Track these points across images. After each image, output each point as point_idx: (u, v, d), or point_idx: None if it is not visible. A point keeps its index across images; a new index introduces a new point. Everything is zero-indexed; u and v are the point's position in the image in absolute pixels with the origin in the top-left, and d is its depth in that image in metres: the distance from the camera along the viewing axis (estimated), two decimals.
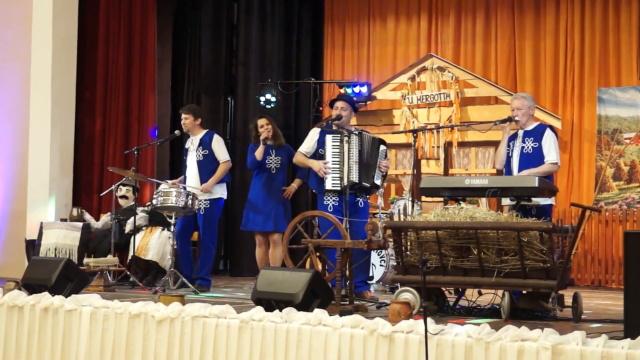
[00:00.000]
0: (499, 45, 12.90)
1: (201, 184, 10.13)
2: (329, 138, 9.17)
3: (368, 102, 13.16)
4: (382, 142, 9.36)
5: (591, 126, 12.14)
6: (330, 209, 8.98)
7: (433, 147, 12.63)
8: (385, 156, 9.37)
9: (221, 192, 10.38)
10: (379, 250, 10.40)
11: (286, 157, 10.42)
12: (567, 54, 12.41)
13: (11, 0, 12.58)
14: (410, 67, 12.93)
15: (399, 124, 12.71)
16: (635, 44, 11.85)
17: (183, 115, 10.46)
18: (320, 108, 13.00)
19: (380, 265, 10.41)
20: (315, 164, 9.15)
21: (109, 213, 11.27)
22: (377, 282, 10.35)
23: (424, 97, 12.72)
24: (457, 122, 12.33)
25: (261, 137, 10.36)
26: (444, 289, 8.05)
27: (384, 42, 13.71)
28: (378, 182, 9.23)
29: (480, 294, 8.40)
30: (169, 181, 10.74)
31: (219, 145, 10.41)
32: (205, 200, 10.12)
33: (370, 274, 10.13)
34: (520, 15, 12.79)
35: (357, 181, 8.93)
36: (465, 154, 12.59)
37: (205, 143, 10.35)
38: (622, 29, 12.05)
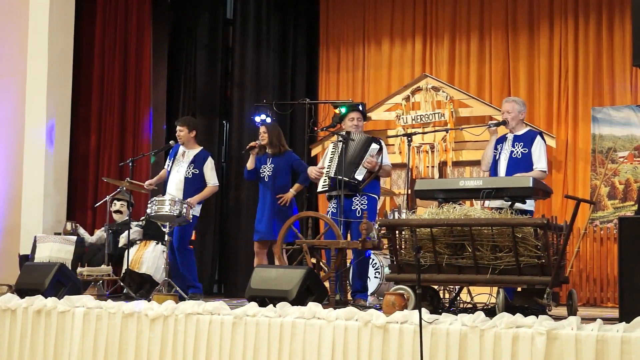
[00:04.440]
0: (493, 66, 12.92)
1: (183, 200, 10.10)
2: (330, 146, 9.32)
3: (363, 122, 13.16)
4: (375, 140, 9.46)
5: (585, 145, 12.14)
6: (329, 215, 9.00)
7: (427, 167, 12.61)
8: (380, 154, 9.41)
9: (197, 209, 10.37)
10: (373, 262, 10.37)
11: (282, 164, 10.38)
12: (561, 73, 12.43)
13: (7, 16, 12.62)
14: (404, 87, 12.93)
15: (393, 144, 12.70)
16: (628, 62, 11.87)
17: (178, 128, 10.50)
18: (315, 128, 13.00)
19: (375, 277, 10.36)
20: (308, 170, 9.29)
21: (102, 228, 11.25)
22: (372, 294, 10.29)
23: (419, 117, 12.72)
24: (451, 141, 12.37)
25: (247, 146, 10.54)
26: (436, 288, 8.04)
27: (378, 65, 13.74)
28: (359, 177, 9.17)
29: (475, 306, 8.37)
30: (146, 182, 10.75)
31: (211, 169, 10.47)
32: None
33: None
34: (514, 37, 12.82)
35: (333, 176, 8.99)
36: (460, 174, 12.56)
37: (198, 162, 10.38)
38: (616, 48, 12.08)
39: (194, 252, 10.82)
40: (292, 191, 10.28)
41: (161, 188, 10.60)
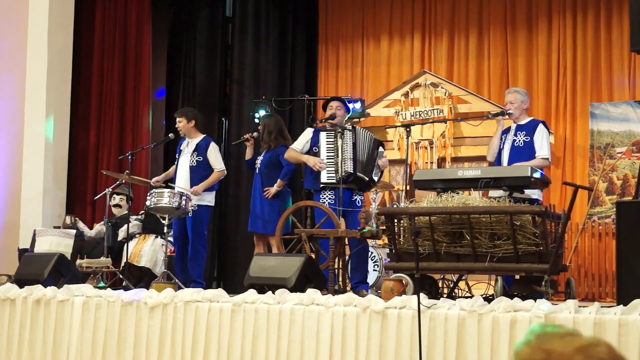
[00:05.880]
0: (491, 62, 12.95)
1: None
2: (322, 135, 9.29)
3: (362, 119, 13.18)
4: (381, 143, 9.57)
5: (584, 141, 12.16)
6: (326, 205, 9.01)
7: (426, 162, 12.61)
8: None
9: (209, 199, 10.35)
10: (372, 255, 10.39)
11: (270, 158, 10.44)
12: (560, 70, 12.46)
13: (7, 12, 12.65)
14: (403, 83, 12.95)
15: (392, 140, 12.73)
16: (627, 58, 11.91)
17: (177, 119, 10.51)
18: (315, 124, 13.02)
19: (374, 270, 10.37)
20: (311, 160, 9.24)
21: (102, 222, 11.27)
22: (371, 287, 10.31)
23: (418, 113, 12.73)
24: (450, 137, 12.40)
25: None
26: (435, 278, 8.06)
27: (377, 62, 13.76)
28: (375, 177, 9.30)
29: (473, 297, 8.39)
30: (154, 179, 10.74)
31: (215, 154, 10.42)
32: (193, 204, 10.09)
33: None
34: (513, 33, 12.85)
35: (352, 172, 8.97)
36: None
37: (200, 149, 10.37)
38: (614, 44, 12.11)
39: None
40: (275, 187, 10.29)
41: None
